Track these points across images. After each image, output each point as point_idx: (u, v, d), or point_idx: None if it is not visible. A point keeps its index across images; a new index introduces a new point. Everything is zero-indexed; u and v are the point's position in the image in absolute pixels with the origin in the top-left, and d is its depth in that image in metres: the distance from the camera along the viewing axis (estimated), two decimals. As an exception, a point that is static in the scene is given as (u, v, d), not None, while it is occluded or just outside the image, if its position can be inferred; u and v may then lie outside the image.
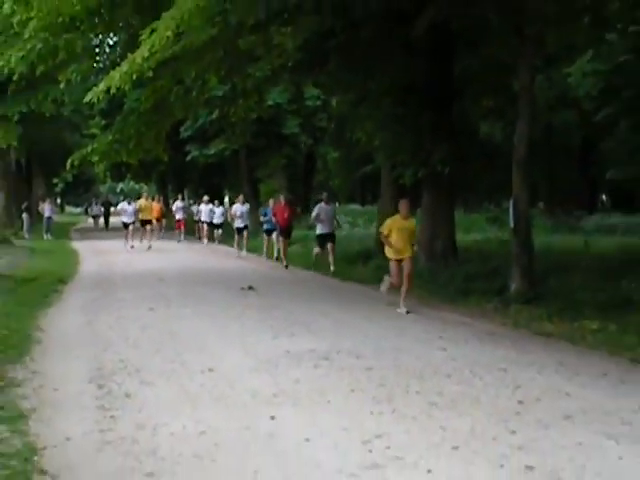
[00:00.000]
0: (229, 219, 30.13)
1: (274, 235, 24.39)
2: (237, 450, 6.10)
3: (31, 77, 19.07)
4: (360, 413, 7.09)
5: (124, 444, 6.26)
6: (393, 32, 17.79)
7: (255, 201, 39.02)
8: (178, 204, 38.39)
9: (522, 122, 14.84)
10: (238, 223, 27.16)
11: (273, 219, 23.67)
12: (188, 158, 42.57)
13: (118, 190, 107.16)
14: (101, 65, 25.44)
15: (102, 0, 15.63)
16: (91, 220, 57.72)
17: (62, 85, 20.11)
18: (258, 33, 17.36)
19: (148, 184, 68.04)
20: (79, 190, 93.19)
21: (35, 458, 5.87)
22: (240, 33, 16.74)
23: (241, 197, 28.59)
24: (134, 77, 14.38)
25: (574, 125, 39.36)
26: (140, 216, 31.06)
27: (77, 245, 34.54)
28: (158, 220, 34.95)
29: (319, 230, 20.85)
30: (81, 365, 9.30)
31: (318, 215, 20.68)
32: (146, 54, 13.76)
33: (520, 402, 7.44)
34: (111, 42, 25.58)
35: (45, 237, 38.01)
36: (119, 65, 14.89)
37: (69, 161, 18.86)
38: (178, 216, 37.10)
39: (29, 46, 16.09)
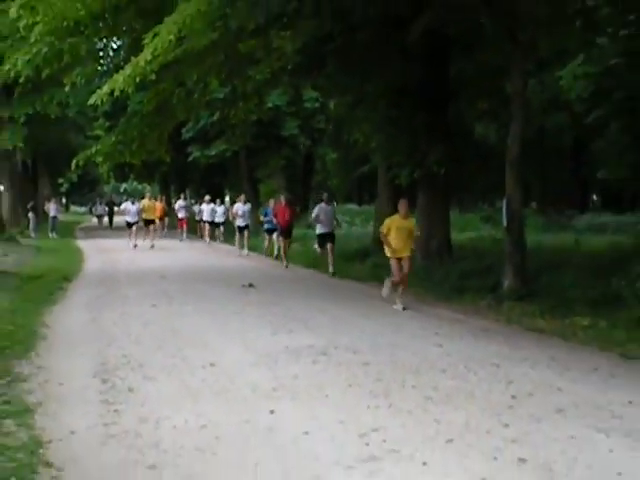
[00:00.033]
0: (230, 218, 30.09)
1: (275, 235, 24.31)
2: (237, 443, 6.10)
3: (37, 80, 19.09)
4: (357, 407, 7.09)
5: (127, 437, 6.26)
6: (389, 37, 17.80)
7: (255, 200, 38.99)
8: (180, 203, 38.34)
9: (515, 124, 14.85)
10: (239, 222, 27.09)
11: (274, 220, 23.55)
12: (190, 159, 42.63)
13: (122, 190, 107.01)
14: (105, 68, 25.54)
15: (106, 5, 15.61)
16: (95, 219, 57.67)
17: (67, 88, 20.09)
18: (258, 37, 17.35)
19: (151, 184, 67.95)
20: (84, 190, 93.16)
21: (41, 451, 5.87)
22: (240, 37, 16.74)
23: (242, 197, 28.50)
24: (137, 80, 14.40)
25: (566, 127, 39.35)
26: (143, 216, 31.00)
27: (82, 244, 34.50)
28: (161, 219, 34.92)
29: (319, 230, 20.60)
30: (85, 360, 9.29)
31: (318, 216, 20.41)
32: (149, 57, 13.78)
33: (513, 396, 7.45)
34: (115, 46, 25.65)
35: (50, 236, 37.96)
36: (122, 68, 14.91)
37: (74, 162, 18.85)
38: (180, 215, 37.08)
39: (35, 50, 16.08)
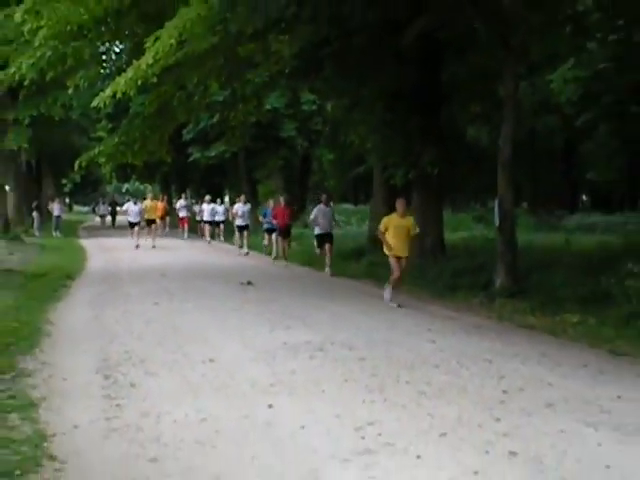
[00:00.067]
0: (230, 218, 30.04)
1: (274, 235, 24.12)
2: (236, 437, 6.11)
3: (41, 83, 19.08)
4: (353, 402, 7.09)
5: (129, 431, 6.26)
6: (384, 41, 17.80)
7: (254, 200, 38.96)
8: (182, 203, 38.42)
9: (507, 126, 14.85)
10: (239, 222, 26.99)
11: (274, 221, 23.31)
12: (190, 159, 42.60)
13: (124, 190, 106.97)
14: (108, 71, 25.53)
15: (109, 10, 15.61)
16: (98, 219, 57.62)
17: (70, 90, 20.16)
18: (257, 41, 17.37)
19: (152, 184, 67.89)
20: (87, 190, 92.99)
21: (45, 444, 5.87)
22: (240, 41, 16.75)
23: (243, 197, 28.34)
24: (139, 83, 14.41)
25: (556, 129, 39.44)
26: (145, 216, 30.93)
27: (85, 242, 34.48)
28: (162, 218, 34.85)
29: (317, 230, 20.31)
30: (88, 357, 9.29)
31: (316, 217, 20.14)
32: (150, 61, 13.79)
33: (504, 391, 7.45)
34: (117, 49, 25.58)
35: (54, 235, 37.93)
36: (125, 71, 14.92)
37: (77, 162, 18.88)
38: (181, 214, 37.19)
39: (39, 53, 16.07)
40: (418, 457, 5.58)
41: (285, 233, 22.68)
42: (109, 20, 16.35)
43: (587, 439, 6.02)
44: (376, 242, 21.27)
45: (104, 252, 28.16)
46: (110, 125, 45.06)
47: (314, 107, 37.63)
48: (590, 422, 6.41)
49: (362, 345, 9.86)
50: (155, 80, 15.13)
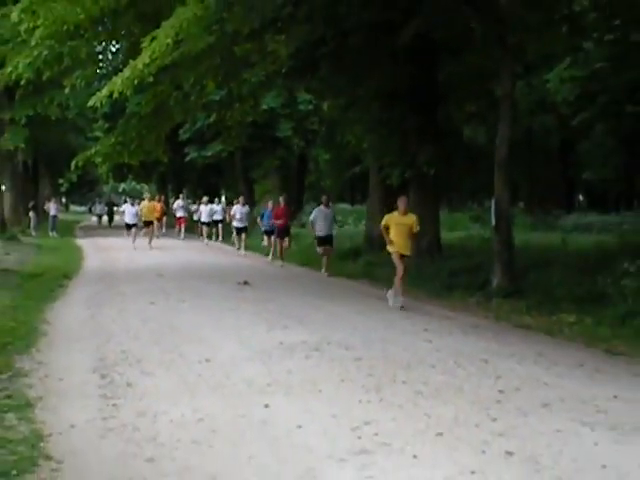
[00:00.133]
0: (227, 219, 29.95)
1: (272, 237, 23.89)
2: (233, 436, 6.11)
3: (38, 82, 19.09)
4: (349, 401, 7.10)
5: (126, 431, 6.26)
6: (380, 41, 17.81)
7: (251, 200, 38.91)
8: (179, 203, 38.39)
9: (503, 126, 14.87)
10: (237, 224, 26.88)
11: (275, 222, 22.90)
12: (187, 159, 42.63)
13: (120, 190, 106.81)
14: (104, 71, 25.49)
15: (105, 9, 15.61)
16: (95, 218, 57.57)
17: (67, 90, 20.10)
18: (253, 41, 17.39)
19: (149, 184, 67.80)
20: (83, 190, 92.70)
21: (41, 444, 5.86)
22: (236, 41, 16.76)
23: (241, 199, 28.05)
24: (135, 82, 14.42)
25: (553, 128, 39.48)
26: (143, 217, 30.81)
27: (81, 242, 34.43)
28: (159, 219, 34.75)
29: (318, 232, 19.94)
30: (85, 356, 9.28)
31: (315, 219, 19.85)
32: (147, 60, 13.79)
33: (501, 391, 7.46)
34: (114, 49, 25.61)
35: (51, 234, 37.88)
36: (121, 71, 14.93)
37: (74, 162, 18.86)
38: (179, 214, 37.14)
39: (35, 53, 16.07)
40: (414, 457, 5.59)
41: (285, 233, 22.60)
42: (106, 20, 16.39)
43: (583, 439, 6.02)
44: (373, 242, 21.39)
45: (101, 252, 28.12)
46: (107, 125, 45.06)
47: (310, 107, 37.64)
48: (586, 422, 6.42)
49: (359, 345, 9.86)
50: (152, 80, 15.15)
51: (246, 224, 26.89)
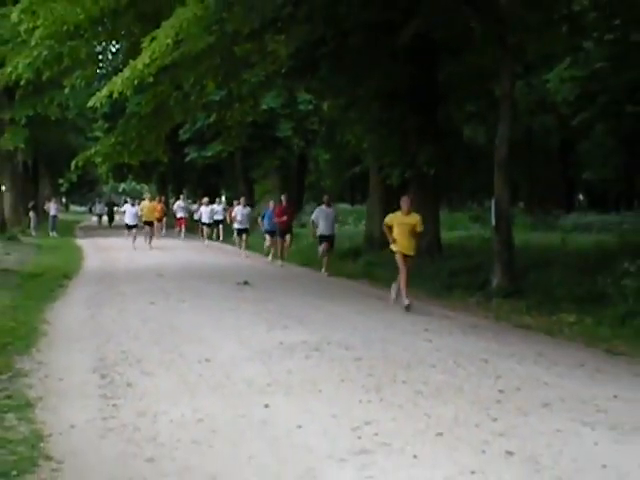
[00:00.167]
0: (228, 221, 29.87)
1: (275, 236, 23.78)
2: (233, 436, 6.10)
3: (37, 82, 19.10)
4: (350, 401, 7.09)
5: (126, 431, 6.26)
6: (380, 41, 17.82)
7: (251, 200, 38.90)
8: (179, 203, 38.42)
9: (503, 125, 14.87)
10: (238, 225, 26.69)
11: (278, 220, 22.64)
12: (187, 159, 42.65)
13: (120, 190, 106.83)
14: (104, 71, 25.55)
15: (105, 9, 15.61)
16: (95, 218, 57.58)
17: (67, 90, 20.11)
18: (253, 41, 17.38)
19: (149, 184, 67.77)
20: (83, 190, 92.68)
21: (41, 444, 5.86)
22: (236, 41, 16.75)
23: (242, 200, 27.67)
24: (135, 82, 14.41)
25: (553, 128, 39.48)
26: (143, 218, 30.76)
27: (81, 242, 34.44)
28: (159, 219, 34.70)
29: (319, 232, 19.90)
30: (85, 356, 9.28)
31: (317, 219, 19.83)
32: (147, 61, 13.79)
33: (501, 391, 7.46)
34: (113, 49, 25.66)
35: (51, 234, 37.90)
36: (121, 71, 14.93)
37: (74, 162, 18.85)
38: (179, 214, 37.14)
39: (35, 53, 16.07)
40: (415, 457, 5.58)
41: (286, 232, 22.54)
42: (106, 20, 16.37)
43: (583, 438, 6.02)
44: (373, 242, 21.39)
45: (101, 252, 28.13)
46: (107, 125, 45.07)
47: (310, 107, 37.67)
48: (586, 421, 6.42)
49: (359, 345, 9.86)
50: (151, 80, 15.15)
51: (247, 226, 26.71)
